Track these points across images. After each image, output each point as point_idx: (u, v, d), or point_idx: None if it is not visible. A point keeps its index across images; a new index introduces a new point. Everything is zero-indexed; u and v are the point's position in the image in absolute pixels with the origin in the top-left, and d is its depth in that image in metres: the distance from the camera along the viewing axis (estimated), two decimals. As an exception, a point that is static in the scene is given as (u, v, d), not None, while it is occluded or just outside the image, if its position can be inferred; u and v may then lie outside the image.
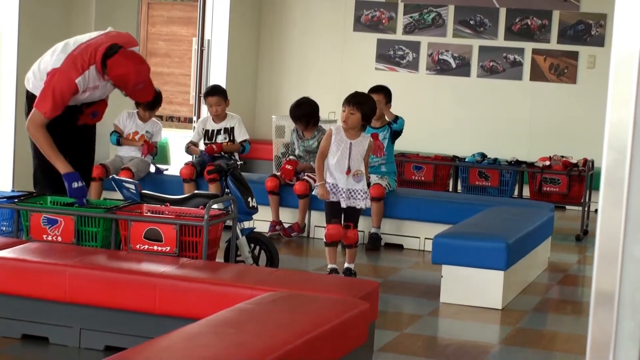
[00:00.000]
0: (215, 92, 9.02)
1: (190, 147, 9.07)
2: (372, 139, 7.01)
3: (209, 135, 8.96)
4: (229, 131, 8.99)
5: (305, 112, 8.73)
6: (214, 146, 8.88)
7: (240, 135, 8.97)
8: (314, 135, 8.79)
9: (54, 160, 6.18)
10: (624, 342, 2.01)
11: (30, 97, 6.41)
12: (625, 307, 2.01)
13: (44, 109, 6.09)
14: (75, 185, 6.10)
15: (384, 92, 8.63)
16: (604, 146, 2.06)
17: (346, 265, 7.09)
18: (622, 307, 2.01)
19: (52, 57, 6.23)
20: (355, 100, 6.87)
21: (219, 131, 8.94)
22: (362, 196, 6.89)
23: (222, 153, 8.92)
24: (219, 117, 8.96)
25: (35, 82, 6.37)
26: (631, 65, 2.03)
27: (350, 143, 6.86)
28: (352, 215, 6.99)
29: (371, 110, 6.92)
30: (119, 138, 9.05)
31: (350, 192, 6.88)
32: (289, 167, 8.74)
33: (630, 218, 2.02)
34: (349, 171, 6.85)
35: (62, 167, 6.15)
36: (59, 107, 6.13)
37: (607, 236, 2.05)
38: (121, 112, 9.16)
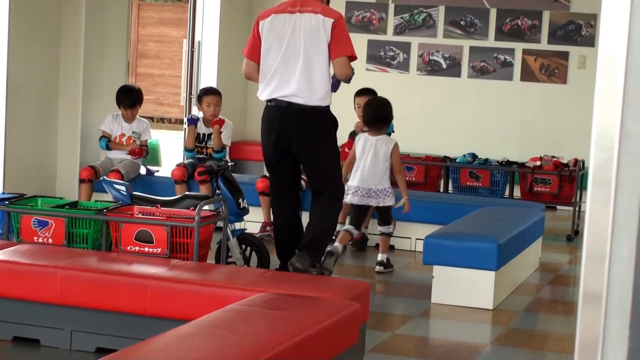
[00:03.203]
0: (215, 92, 8.96)
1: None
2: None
3: (199, 138, 8.91)
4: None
5: None
6: (205, 150, 8.88)
7: (223, 140, 8.85)
8: None
9: None
10: (612, 341, 2.02)
11: (313, 110, 6.40)
12: (613, 307, 2.02)
13: (350, 51, 6.53)
14: None
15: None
16: (591, 146, 2.07)
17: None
18: (610, 307, 2.02)
19: (317, 33, 6.43)
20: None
21: (209, 135, 8.88)
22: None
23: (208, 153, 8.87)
24: (214, 117, 8.85)
25: (313, 92, 6.42)
26: (618, 65, 2.04)
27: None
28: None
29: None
30: (108, 142, 8.99)
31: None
32: None
33: (617, 218, 2.03)
34: None
35: None
36: None
37: (595, 236, 2.05)
38: (106, 116, 9.11)
